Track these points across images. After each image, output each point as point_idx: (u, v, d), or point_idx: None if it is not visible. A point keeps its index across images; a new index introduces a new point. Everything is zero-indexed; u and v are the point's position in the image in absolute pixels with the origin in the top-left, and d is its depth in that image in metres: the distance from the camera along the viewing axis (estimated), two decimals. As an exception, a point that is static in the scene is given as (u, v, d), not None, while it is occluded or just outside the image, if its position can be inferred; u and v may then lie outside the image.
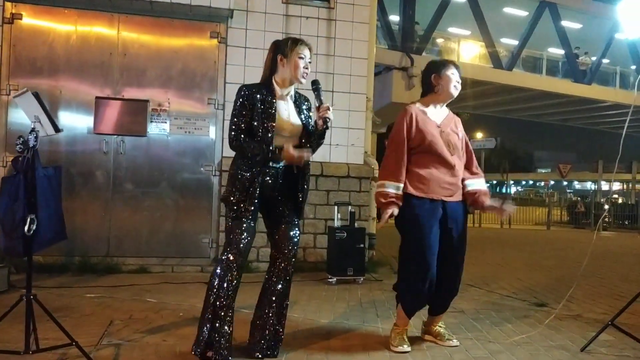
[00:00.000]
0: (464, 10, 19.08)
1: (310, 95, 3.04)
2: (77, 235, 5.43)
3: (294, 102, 2.99)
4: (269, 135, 2.79)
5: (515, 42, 21.09)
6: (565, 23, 21.53)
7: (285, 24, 5.91)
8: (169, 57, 5.73)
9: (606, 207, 18.72)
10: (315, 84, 2.96)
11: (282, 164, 2.91)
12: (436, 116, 3.23)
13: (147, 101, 5.63)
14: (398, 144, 3.14)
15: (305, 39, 6.00)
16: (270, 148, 2.78)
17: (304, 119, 2.97)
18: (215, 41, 5.80)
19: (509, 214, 3.30)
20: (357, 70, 6.15)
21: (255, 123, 2.79)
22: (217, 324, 2.76)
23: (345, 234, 5.30)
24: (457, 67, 3.26)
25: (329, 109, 2.87)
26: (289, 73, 2.89)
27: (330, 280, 5.26)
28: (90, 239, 5.54)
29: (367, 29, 6.22)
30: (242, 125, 2.80)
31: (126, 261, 5.54)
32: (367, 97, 6.26)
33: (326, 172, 6.00)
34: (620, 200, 21.98)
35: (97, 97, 5.53)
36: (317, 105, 2.92)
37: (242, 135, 2.80)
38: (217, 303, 2.76)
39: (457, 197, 3.22)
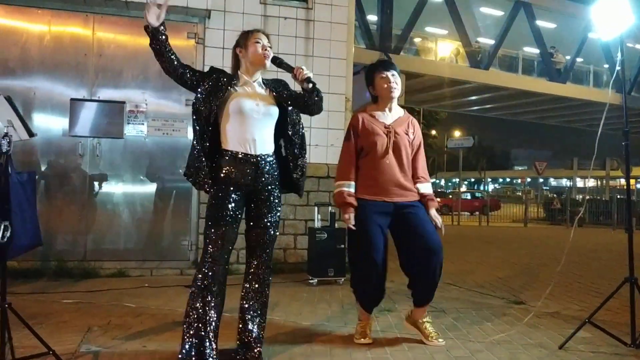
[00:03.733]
0: (441, 10, 19.26)
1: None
2: (53, 240, 5.34)
3: (266, 88, 2.97)
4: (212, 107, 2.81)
5: (492, 42, 21.35)
6: (540, 23, 21.88)
7: (264, 25, 5.87)
8: (145, 58, 5.63)
9: (581, 208, 19.00)
10: (275, 60, 2.94)
11: (268, 151, 2.91)
12: (386, 118, 3.35)
13: (123, 102, 5.56)
14: (347, 147, 3.33)
15: (284, 39, 6.04)
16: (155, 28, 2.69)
17: (285, 95, 2.94)
18: (192, 42, 5.74)
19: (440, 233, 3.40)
20: (336, 71, 6.15)
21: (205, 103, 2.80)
22: (201, 340, 2.69)
23: (326, 235, 5.30)
24: (387, 66, 3.34)
25: (301, 68, 2.84)
26: (249, 59, 2.91)
27: (311, 281, 5.26)
28: (67, 243, 5.44)
29: (345, 30, 6.21)
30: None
31: (104, 265, 5.45)
32: (346, 98, 6.26)
33: (306, 173, 5.97)
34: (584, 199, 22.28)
35: (72, 99, 5.44)
36: (292, 75, 2.89)
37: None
38: (199, 317, 2.71)
39: (411, 197, 3.30)
